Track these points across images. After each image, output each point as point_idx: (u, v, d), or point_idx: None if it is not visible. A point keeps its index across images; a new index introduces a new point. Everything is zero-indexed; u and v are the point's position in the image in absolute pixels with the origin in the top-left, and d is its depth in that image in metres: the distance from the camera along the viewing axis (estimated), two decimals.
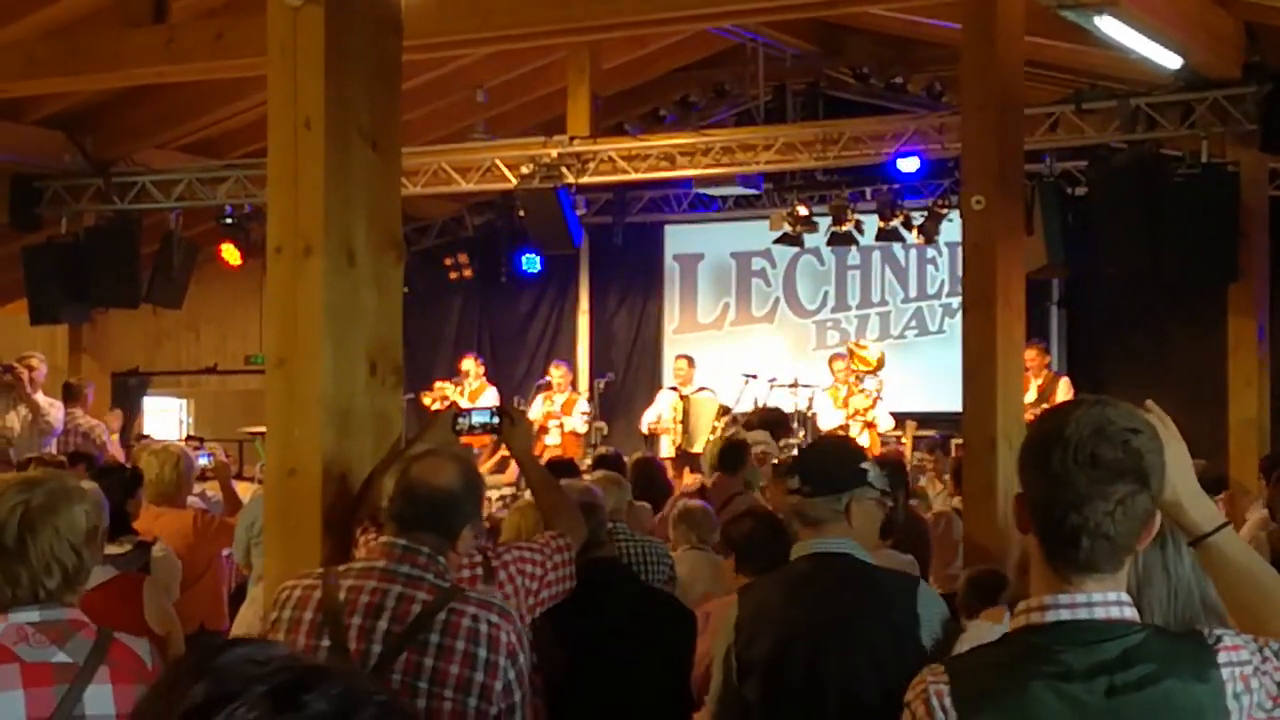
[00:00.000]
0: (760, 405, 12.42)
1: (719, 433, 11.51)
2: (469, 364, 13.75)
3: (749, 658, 3.75)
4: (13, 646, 2.89)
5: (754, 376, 13.28)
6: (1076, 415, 2.14)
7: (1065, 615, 2.13)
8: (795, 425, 12.22)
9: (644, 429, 13.55)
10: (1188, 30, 9.24)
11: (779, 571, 3.99)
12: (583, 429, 13.27)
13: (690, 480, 9.23)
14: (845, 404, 12.57)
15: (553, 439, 12.94)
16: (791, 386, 13.12)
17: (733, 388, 13.31)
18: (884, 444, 12.46)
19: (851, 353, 12.93)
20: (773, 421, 11.23)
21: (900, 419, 12.79)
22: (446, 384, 13.70)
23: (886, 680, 2.93)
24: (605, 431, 13.74)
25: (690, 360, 13.44)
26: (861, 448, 3.99)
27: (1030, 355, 10.27)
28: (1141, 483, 2.10)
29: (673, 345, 15.78)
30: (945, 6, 9.46)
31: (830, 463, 3.87)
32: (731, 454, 8.93)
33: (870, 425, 12.13)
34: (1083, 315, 14.33)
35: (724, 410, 12.61)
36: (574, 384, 14.29)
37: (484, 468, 10.69)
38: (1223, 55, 9.91)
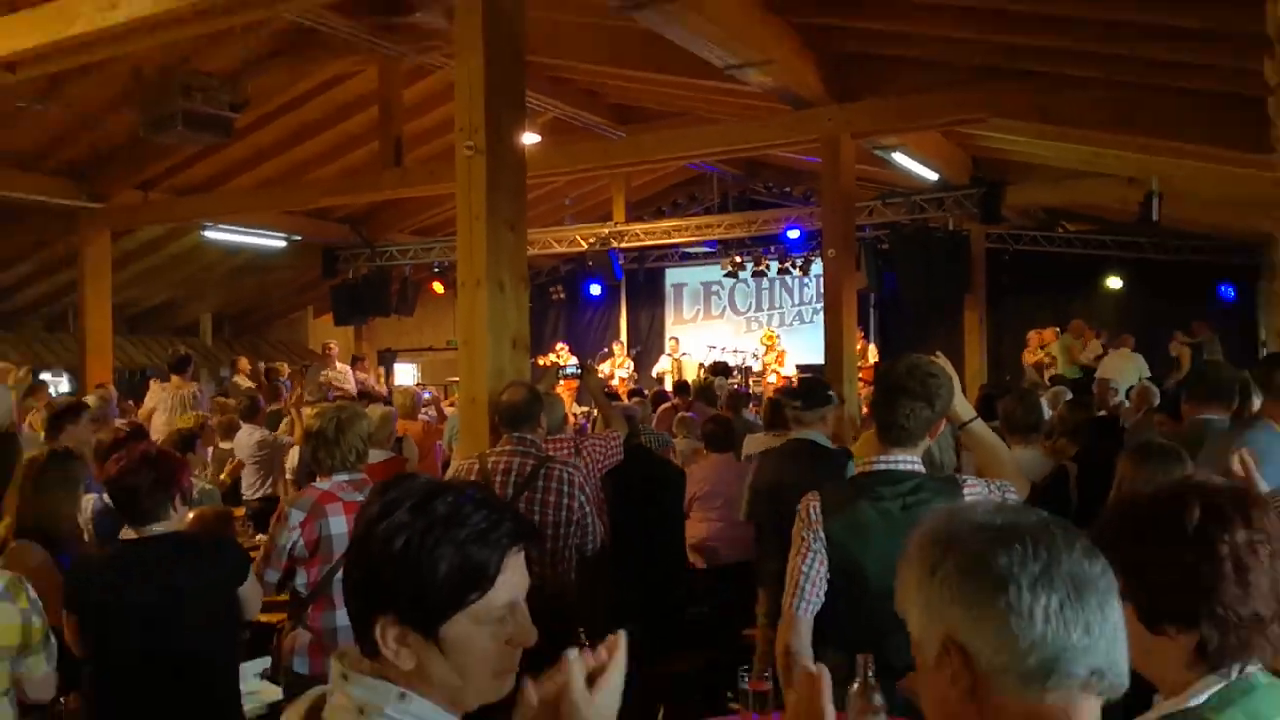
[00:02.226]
0: (713, 361, 14.15)
1: (700, 375, 12.96)
2: (560, 347, 15.97)
3: (750, 498, 4.76)
4: (339, 493, 3.55)
5: (713, 346, 15.95)
6: (900, 362, 2.63)
7: (882, 466, 2.62)
8: (734, 372, 14.10)
9: (654, 375, 15.94)
10: (941, 158, 10.56)
11: (782, 445, 4.81)
12: (626, 376, 15.40)
13: (665, 406, 9.57)
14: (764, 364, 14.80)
15: (614, 382, 14.48)
16: (733, 351, 15.70)
17: (701, 352, 15.76)
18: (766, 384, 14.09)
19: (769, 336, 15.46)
20: (721, 370, 12.82)
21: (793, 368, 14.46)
22: (561, 351, 15.49)
23: None
24: (636, 378, 15.80)
25: (677, 340, 16.18)
26: (828, 383, 4.56)
27: None
28: (927, 402, 2.60)
29: (670, 331, 17.79)
30: (812, 149, 9.79)
31: (816, 390, 4.59)
32: (706, 391, 10.05)
33: (776, 373, 14.59)
34: (888, 314, 16.47)
35: (701, 365, 14.49)
36: (626, 352, 16.19)
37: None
38: (959, 171, 11.14)
